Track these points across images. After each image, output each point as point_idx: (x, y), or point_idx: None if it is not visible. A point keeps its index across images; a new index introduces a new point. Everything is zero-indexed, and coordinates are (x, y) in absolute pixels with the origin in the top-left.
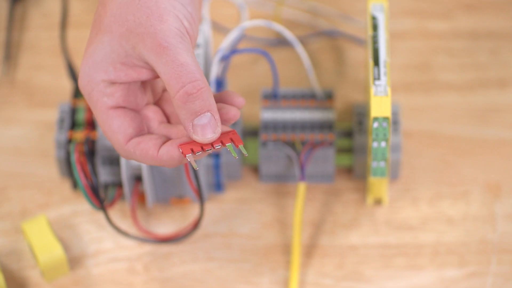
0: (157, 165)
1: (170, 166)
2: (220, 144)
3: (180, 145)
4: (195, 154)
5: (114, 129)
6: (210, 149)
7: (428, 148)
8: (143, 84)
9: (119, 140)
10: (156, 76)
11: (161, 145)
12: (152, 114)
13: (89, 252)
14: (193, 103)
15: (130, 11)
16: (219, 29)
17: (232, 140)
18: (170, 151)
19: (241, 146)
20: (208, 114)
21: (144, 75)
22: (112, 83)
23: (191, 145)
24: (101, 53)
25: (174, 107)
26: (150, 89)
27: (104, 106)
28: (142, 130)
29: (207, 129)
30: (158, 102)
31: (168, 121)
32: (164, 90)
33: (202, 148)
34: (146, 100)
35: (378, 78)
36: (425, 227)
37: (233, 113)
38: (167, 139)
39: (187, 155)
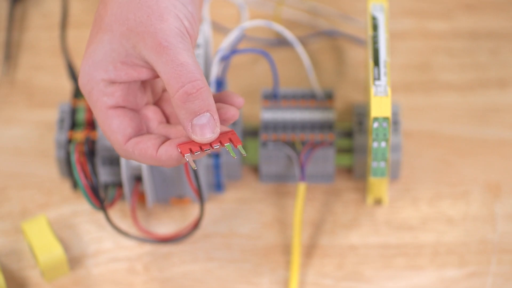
0: (156, 165)
1: (169, 166)
2: (219, 144)
3: (179, 145)
4: (193, 154)
5: (113, 128)
6: (209, 149)
7: (428, 148)
8: (143, 84)
9: (118, 139)
10: (156, 76)
11: (160, 145)
12: (152, 114)
13: (89, 252)
14: (193, 103)
15: (130, 10)
16: (219, 29)
17: (231, 140)
18: (168, 151)
19: (239, 146)
20: (207, 114)
21: (144, 74)
22: (112, 82)
23: (190, 145)
24: (101, 52)
25: (174, 107)
26: (150, 89)
27: (103, 105)
28: (141, 130)
29: (206, 129)
30: (157, 102)
31: (168, 121)
32: (164, 90)
33: (200, 148)
34: (146, 100)
35: (378, 78)
36: (425, 227)
37: (232, 113)
38: (166, 139)
39: (185, 155)
